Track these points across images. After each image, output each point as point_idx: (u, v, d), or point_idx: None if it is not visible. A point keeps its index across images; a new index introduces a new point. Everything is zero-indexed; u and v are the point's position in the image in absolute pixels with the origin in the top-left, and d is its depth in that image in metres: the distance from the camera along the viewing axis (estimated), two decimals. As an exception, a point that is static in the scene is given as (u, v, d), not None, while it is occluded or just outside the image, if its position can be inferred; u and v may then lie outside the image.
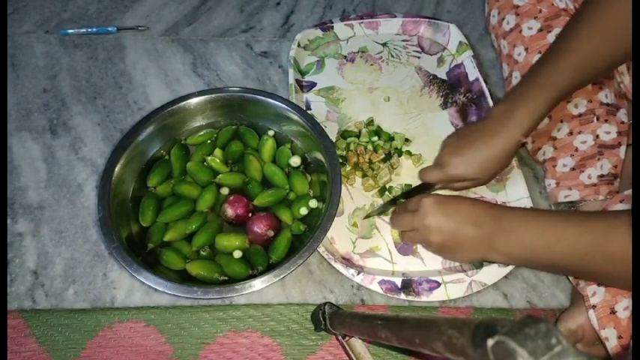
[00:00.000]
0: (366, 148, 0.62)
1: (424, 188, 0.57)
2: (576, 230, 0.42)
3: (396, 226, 0.56)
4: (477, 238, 0.47)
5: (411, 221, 0.51)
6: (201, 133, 0.60)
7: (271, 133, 0.60)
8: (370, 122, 0.65)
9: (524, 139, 0.51)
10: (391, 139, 0.63)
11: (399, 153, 0.63)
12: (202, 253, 0.53)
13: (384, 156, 0.61)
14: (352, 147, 0.62)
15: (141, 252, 0.52)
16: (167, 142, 0.59)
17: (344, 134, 0.64)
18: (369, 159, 0.61)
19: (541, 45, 0.59)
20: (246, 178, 0.57)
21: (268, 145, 0.59)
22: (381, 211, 0.58)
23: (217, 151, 0.59)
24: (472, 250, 0.48)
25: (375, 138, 0.63)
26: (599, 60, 0.49)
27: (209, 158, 0.58)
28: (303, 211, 0.55)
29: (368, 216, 0.58)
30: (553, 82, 0.50)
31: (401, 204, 0.55)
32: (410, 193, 0.58)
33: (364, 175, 0.61)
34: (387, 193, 0.60)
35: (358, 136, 0.63)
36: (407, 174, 0.62)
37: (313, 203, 0.55)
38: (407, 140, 0.64)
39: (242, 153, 0.59)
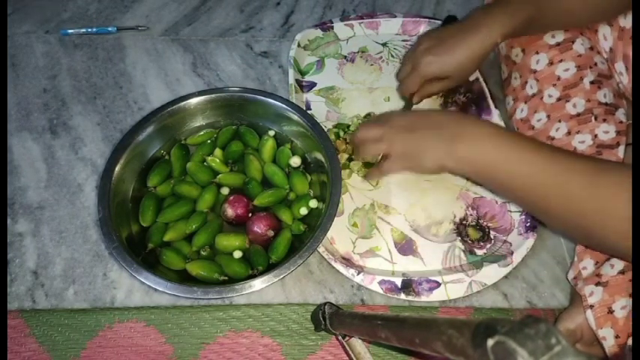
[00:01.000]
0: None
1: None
2: (542, 160, 0.40)
3: (362, 136, 0.52)
4: (438, 140, 0.44)
5: (376, 130, 0.49)
6: (201, 133, 0.60)
7: (272, 133, 0.60)
8: (367, 115, 0.65)
9: (499, 40, 0.52)
10: None
11: None
12: (202, 253, 0.53)
13: None
14: (341, 134, 0.62)
15: (141, 252, 0.52)
16: (167, 142, 0.59)
17: (336, 126, 0.64)
18: None
19: (538, 45, 0.59)
20: (246, 178, 0.57)
21: (268, 145, 0.59)
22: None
23: (217, 151, 0.59)
24: (433, 155, 0.45)
25: None
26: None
27: (209, 158, 0.58)
28: (303, 211, 0.55)
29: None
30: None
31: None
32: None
33: (350, 159, 0.61)
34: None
35: (349, 127, 0.64)
36: None
37: (313, 203, 0.55)
38: None
39: (242, 153, 0.59)
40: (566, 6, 0.53)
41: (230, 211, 0.54)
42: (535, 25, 0.55)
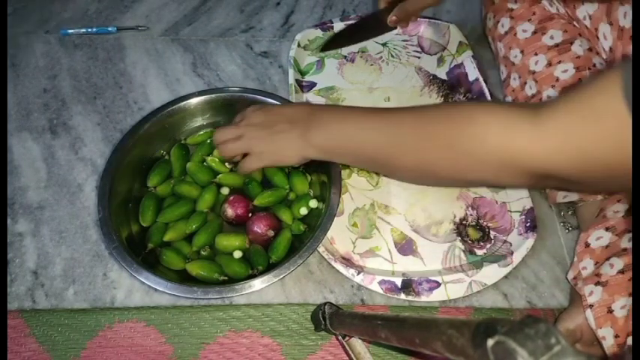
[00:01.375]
0: None
1: (379, 22, 0.61)
2: (375, 122, 0.44)
3: (221, 137, 0.53)
4: (293, 133, 0.48)
5: (234, 130, 0.52)
6: (201, 132, 0.60)
7: None
8: None
9: None
10: None
11: None
12: (203, 253, 0.53)
13: None
14: None
15: (141, 252, 0.52)
16: (167, 142, 0.60)
17: None
18: None
19: (536, 47, 0.60)
20: (246, 179, 0.57)
21: None
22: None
23: (217, 151, 0.59)
24: (292, 148, 0.49)
25: None
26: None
27: (209, 158, 0.58)
28: (303, 211, 0.55)
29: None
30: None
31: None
32: (363, 26, 0.63)
33: None
34: None
35: None
36: None
37: (313, 203, 0.55)
38: None
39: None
40: None
41: (230, 211, 0.54)
42: None
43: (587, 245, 0.53)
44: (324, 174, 0.55)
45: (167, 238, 0.52)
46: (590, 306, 0.47)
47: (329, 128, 0.47)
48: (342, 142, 0.46)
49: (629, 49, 0.55)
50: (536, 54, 0.59)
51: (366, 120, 0.45)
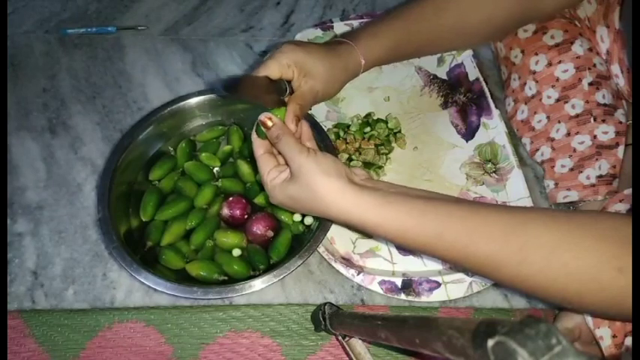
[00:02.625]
0: (354, 136, 0.62)
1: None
2: (419, 218, 0.37)
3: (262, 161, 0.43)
4: (331, 216, 0.40)
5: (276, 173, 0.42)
6: (209, 130, 0.61)
7: None
8: (367, 115, 0.65)
9: (362, 60, 0.50)
10: (385, 122, 0.64)
11: (394, 135, 0.64)
12: (208, 245, 0.53)
13: (374, 146, 0.61)
14: (341, 134, 0.63)
15: (140, 250, 0.52)
16: (167, 142, 0.60)
17: (336, 126, 0.64)
18: (359, 146, 0.61)
19: (537, 46, 0.59)
20: (247, 183, 0.57)
21: None
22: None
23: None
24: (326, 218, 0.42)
25: (368, 129, 0.63)
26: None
27: (202, 155, 0.58)
28: (300, 218, 0.55)
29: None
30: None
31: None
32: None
33: (350, 159, 0.61)
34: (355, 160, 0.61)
35: (349, 127, 0.64)
36: (398, 160, 0.63)
37: (308, 220, 0.55)
38: (399, 132, 0.65)
39: (230, 153, 0.59)
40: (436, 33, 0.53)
41: (226, 211, 0.54)
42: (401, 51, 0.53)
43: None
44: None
45: (164, 242, 0.52)
46: None
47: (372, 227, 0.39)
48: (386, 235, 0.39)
49: (624, 52, 0.55)
50: (536, 53, 0.59)
51: (405, 213, 0.37)
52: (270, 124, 0.41)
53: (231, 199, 0.54)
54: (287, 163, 0.41)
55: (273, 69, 0.43)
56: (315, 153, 0.40)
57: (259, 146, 0.43)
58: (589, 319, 0.47)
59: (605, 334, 0.45)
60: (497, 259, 0.34)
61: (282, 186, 0.41)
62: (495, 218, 0.35)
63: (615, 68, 0.57)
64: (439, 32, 0.53)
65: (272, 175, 0.42)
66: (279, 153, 0.42)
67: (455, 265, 0.46)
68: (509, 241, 0.33)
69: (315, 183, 0.38)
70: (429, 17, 0.52)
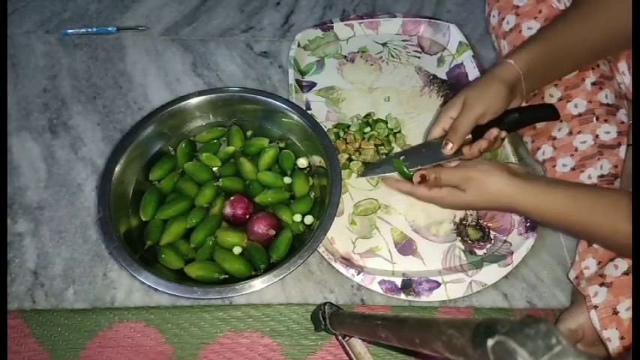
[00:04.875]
0: (354, 136, 0.62)
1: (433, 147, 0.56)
2: (588, 206, 0.46)
3: (447, 178, 0.52)
4: (502, 207, 0.51)
5: (451, 191, 0.52)
6: (209, 131, 0.61)
7: (282, 144, 0.60)
8: (367, 115, 0.65)
9: (520, 71, 0.53)
10: (385, 122, 0.64)
11: (394, 135, 0.64)
12: (208, 243, 0.53)
13: (373, 146, 0.61)
14: (341, 134, 0.62)
15: (139, 249, 0.52)
16: (167, 142, 0.60)
17: (336, 126, 0.64)
18: (359, 146, 0.61)
19: None
20: (247, 181, 0.57)
21: (268, 155, 0.58)
22: (381, 170, 0.58)
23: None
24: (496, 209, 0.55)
25: (368, 129, 0.63)
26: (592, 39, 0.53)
27: (202, 156, 0.58)
28: (300, 218, 0.55)
29: (364, 175, 0.60)
30: (549, 34, 0.54)
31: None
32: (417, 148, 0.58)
33: (350, 159, 0.61)
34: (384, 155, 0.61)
35: (349, 127, 0.64)
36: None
37: (308, 219, 0.55)
38: (399, 132, 0.65)
39: (233, 153, 0.59)
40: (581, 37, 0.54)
41: (229, 210, 0.54)
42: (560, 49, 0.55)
43: (590, 245, 0.52)
44: (325, 177, 0.55)
45: (164, 242, 0.52)
46: (595, 307, 0.47)
47: (541, 211, 0.48)
48: (551, 221, 0.48)
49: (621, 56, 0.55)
50: None
51: (579, 204, 0.46)
52: (431, 177, 0.52)
53: (233, 198, 0.54)
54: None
55: (438, 132, 0.56)
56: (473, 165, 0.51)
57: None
58: (596, 321, 0.46)
59: (613, 336, 0.45)
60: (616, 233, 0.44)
61: (455, 197, 0.51)
62: (617, 200, 0.44)
63: (622, 65, 0.57)
64: (590, 37, 0.53)
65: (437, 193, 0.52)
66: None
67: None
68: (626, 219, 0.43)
69: (485, 183, 0.49)
70: (577, 21, 0.54)
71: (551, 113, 0.57)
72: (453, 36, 0.72)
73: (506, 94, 0.53)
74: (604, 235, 0.45)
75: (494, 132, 0.53)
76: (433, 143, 0.56)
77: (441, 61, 0.72)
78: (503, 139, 0.56)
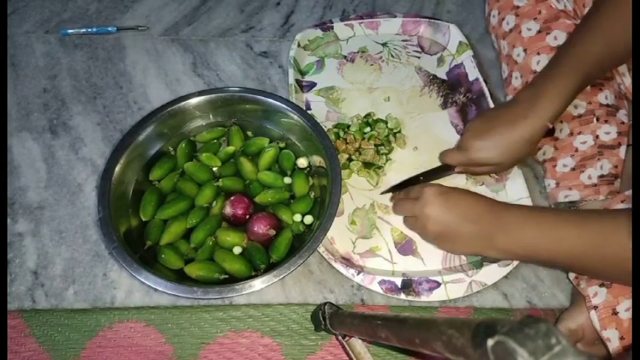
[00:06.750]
0: (354, 136, 0.62)
1: (443, 170, 0.58)
2: (575, 232, 0.42)
3: (397, 212, 0.56)
4: (475, 234, 0.47)
5: (411, 208, 0.51)
6: (209, 131, 0.60)
7: (282, 144, 0.60)
8: (367, 115, 0.65)
9: (550, 125, 0.50)
10: (385, 122, 0.64)
11: (394, 135, 0.64)
12: (207, 243, 0.53)
13: (373, 146, 0.61)
14: (341, 134, 0.63)
15: (139, 249, 0.52)
16: (167, 142, 0.60)
17: (336, 126, 0.64)
18: (359, 146, 0.61)
19: (540, 46, 0.59)
20: (247, 181, 0.57)
21: (268, 155, 0.58)
22: (399, 188, 0.58)
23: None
24: (470, 245, 0.48)
25: (368, 129, 0.63)
26: (621, 45, 0.49)
27: (202, 155, 0.58)
28: (298, 218, 0.55)
29: (386, 191, 0.60)
30: (579, 65, 0.50)
31: (410, 188, 0.55)
32: (429, 173, 0.59)
33: (350, 159, 0.61)
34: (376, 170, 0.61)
35: (349, 127, 0.64)
36: (398, 160, 0.63)
37: (308, 219, 0.55)
38: (399, 132, 0.65)
39: (233, 153, 0.59)
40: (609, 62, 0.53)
41: (229, 210, 0.54)
42: (587, 84, 0.53)
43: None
44: (325, 177, 0.55)
45: (164, 241, 0.52)
46: (595, 307, 0.47)
47: (519, 237, 0.45)
48: (532, 252, 0.45)
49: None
50: (538, 53, 0.59)
51: (563, 230, 0.43)
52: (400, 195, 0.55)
53: (233, 197, 0.54)
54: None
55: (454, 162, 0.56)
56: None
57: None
58: (596, 322, 0.46)
59: (613, 336, 0.45)
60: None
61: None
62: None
63: (622, 66, 0.57)
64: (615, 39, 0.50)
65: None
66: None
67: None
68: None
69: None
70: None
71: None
72: (453, 36, 0.72)
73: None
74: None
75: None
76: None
77: (440, 61, 0.72)
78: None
